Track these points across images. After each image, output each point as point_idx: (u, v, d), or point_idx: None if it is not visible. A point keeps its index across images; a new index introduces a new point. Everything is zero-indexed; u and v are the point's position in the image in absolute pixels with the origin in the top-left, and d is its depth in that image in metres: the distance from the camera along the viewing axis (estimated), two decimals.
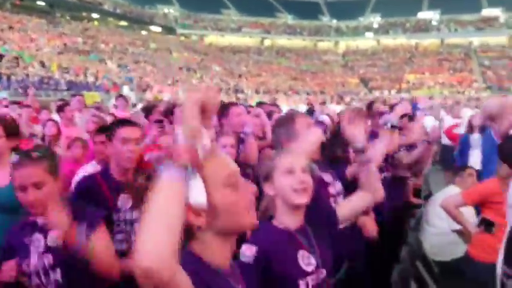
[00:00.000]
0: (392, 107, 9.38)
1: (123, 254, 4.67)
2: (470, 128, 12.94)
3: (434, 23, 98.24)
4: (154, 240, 2.03)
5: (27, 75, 40.77)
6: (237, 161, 6.28)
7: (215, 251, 2.56)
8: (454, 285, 7.07)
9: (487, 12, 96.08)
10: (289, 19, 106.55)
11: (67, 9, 74.34)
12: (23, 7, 68.14)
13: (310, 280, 3.74)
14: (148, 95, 42.82)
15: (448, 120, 18.68)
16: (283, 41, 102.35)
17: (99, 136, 6.95)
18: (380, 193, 4.39)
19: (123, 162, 5.14)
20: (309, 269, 3.76)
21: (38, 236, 4.14)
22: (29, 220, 4.20)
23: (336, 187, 5.37)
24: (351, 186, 5.06)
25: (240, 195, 2.56)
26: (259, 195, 4.21)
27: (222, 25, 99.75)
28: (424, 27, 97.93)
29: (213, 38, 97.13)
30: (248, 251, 3.60)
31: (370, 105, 9.35)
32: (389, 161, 7.88)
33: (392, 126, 7.26)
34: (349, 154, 6.38)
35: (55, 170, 4.11)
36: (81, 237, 3.89)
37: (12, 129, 5.82)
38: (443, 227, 8.00)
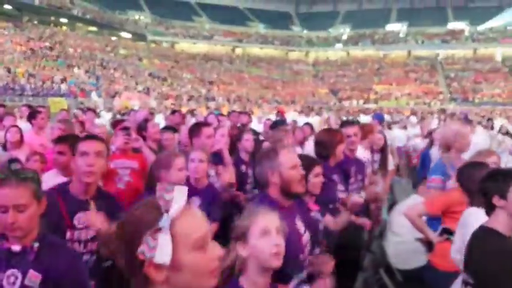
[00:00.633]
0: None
1: None
2: (431, 142, 13.10)
3: (401, 35, 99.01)
4: None
5: None
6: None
7: None
8: None
9: (453, 25, 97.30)
10: (261, 28, 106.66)
11: (35, 13, 73.64)
12: None
13: None
14: (117, 102, 42.53)
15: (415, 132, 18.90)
16: (255, 50, 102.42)
17: (58, 146, 6.76)
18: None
19: (82, 176, 5.00)
20: None
21: (14, 272, 3.75)
22: (2, 247, 3.84)
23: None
24: None
25: (206, 258, 2.52)
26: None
27: (193, 32, 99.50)
28: (392, 39, 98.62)
29: (185, 45, 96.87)
30: None
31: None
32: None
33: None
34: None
35: (39, 195, 3.92)
36: None
37: None
38: (406, 235, 8.06)
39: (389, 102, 72.98)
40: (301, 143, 12.10)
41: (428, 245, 6.86)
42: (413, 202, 7.73)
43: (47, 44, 61.54)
